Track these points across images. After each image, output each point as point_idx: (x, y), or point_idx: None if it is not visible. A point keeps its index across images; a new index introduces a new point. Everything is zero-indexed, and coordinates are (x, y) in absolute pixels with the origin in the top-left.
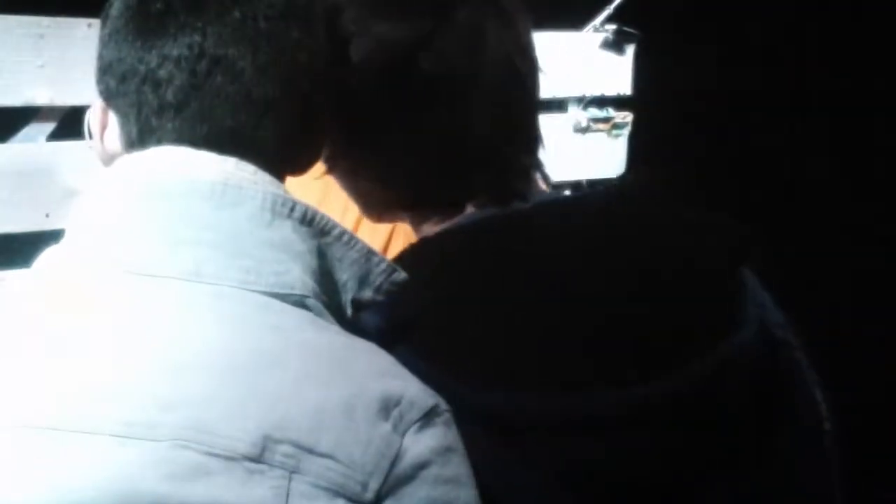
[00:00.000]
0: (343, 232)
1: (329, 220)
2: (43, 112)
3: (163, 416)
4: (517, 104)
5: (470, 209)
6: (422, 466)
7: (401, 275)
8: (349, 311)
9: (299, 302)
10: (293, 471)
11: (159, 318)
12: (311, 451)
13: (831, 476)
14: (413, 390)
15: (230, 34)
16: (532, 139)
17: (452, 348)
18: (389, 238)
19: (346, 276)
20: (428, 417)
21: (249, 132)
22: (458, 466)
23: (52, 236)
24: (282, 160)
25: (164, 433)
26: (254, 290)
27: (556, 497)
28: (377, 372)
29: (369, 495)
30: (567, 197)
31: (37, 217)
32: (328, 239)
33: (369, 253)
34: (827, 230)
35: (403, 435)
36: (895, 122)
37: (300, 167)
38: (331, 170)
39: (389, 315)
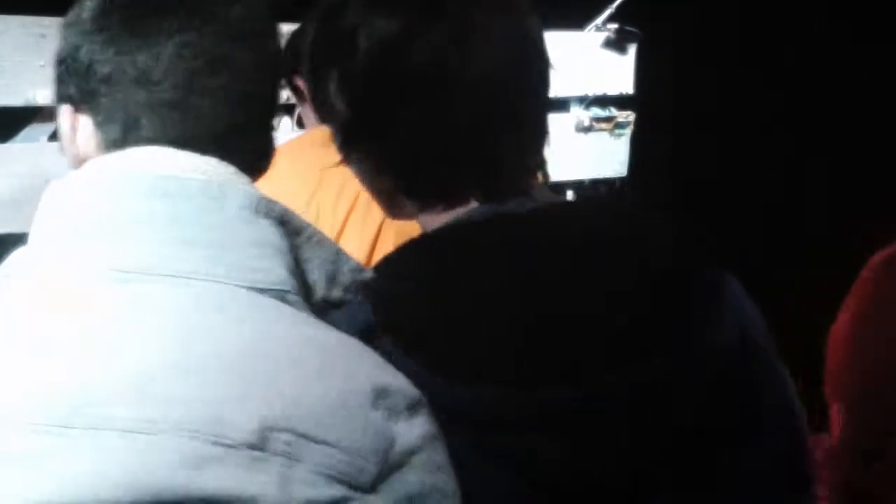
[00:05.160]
0: (314, 233)
1: (301, 220)
2: (44, 112)
3: (168, 410)
4: (514, 99)
5: (474, 203)
6: (412, 452)
7: (367, 273)
8: (318, 309)
9: (284, 298)
10: (294, 458)
11: (153, 316)
12: (310, 440)
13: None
14: (400, 381)
15: (225, 32)
16: (536, 137)
17: (426, 344)
18: (378, 234)
19: (315, 275)
20: (415, 407)
21: (241, 129)
22: (443, 454)
23: None
24: (256, 158)
25: (172, 426)
26: (242, 287)
27: (518, 493)
28: (367, 365)
29: (366, 480)
30: (557, 204)
31: None
32: (300, 239)
33: (338, 253)
34: (825, 230)
35: (395, 423)
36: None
37: (263, 169)
38: (345, 159)
39: (371, 312)
